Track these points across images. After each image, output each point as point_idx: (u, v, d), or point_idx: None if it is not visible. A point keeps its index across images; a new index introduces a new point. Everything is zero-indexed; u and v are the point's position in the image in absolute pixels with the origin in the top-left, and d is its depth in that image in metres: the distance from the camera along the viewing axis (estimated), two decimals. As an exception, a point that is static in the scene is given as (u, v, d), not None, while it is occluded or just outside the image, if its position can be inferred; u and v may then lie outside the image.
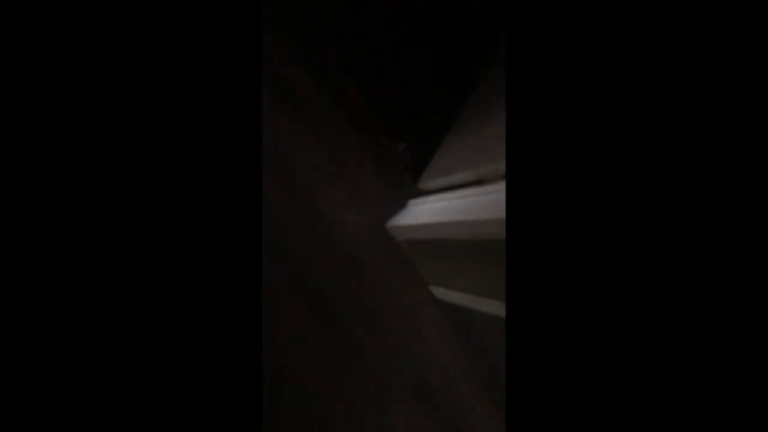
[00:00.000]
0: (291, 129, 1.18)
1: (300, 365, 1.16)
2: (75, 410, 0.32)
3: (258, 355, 0.36)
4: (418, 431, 1.24)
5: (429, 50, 1.14)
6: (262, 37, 1.16)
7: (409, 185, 1.19)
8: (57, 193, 0.32)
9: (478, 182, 0.90)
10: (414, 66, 1.12)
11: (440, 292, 1.21)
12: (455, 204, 0.92)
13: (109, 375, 0.32)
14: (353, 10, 1.15)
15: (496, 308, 0.93)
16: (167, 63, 0.33)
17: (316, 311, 1.19)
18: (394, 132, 1.16)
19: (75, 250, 0.32)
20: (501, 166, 0.82)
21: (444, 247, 0.96)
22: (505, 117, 0.75)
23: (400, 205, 1.19)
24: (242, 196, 0.35)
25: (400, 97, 1.17)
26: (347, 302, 1.22)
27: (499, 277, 0.86)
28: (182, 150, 0.34)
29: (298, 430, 1.13)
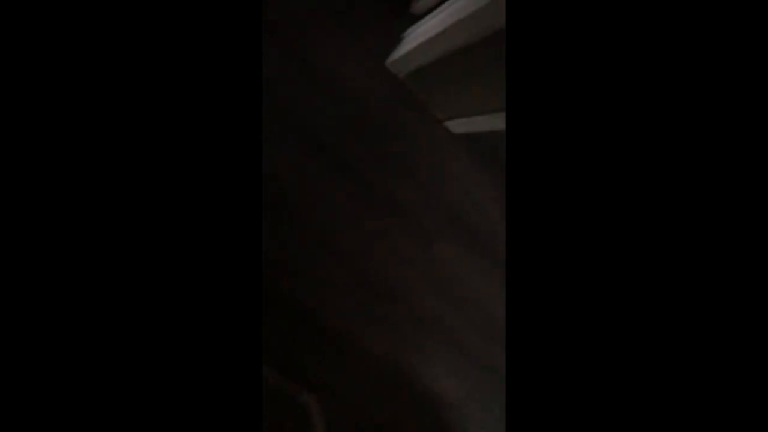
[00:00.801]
0: None
1: (334, 222, 1.21)
2: (73, 401, 0.32)
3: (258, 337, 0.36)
4: (460, 261, 1.31)
5: None
6: None
7: (403, 17, 1.09)
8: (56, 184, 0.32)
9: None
10: None
11: (456, 125, 1.17)
12: (450, 10, 0.84)
13: (106, 366, 0.32)
14: None
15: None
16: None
17: (338, 171, 1.20)
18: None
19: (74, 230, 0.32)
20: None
21: (449, 64, 0.90)
22: None
23: (397, 41, 1.11)
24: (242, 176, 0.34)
25: None
26: (365, 157, 1.22)
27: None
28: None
29: (353, 283, 1.22)
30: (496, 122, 1.08)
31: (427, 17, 0.98)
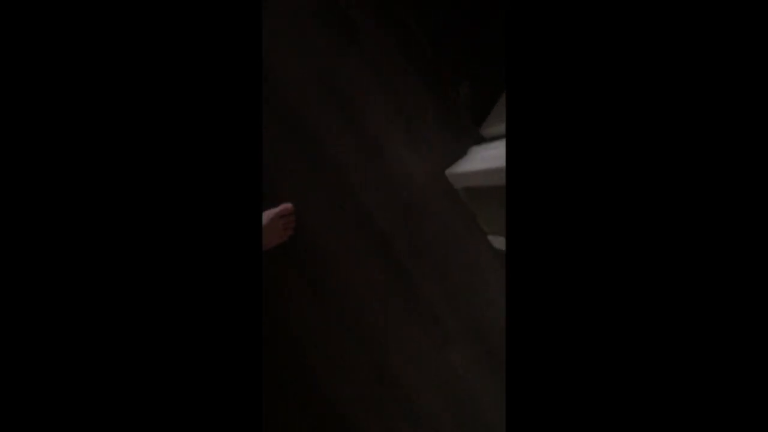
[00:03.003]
0: (357, 73, 1.19)
1: (360, 301, 1.24)
2: (74, 396, 0.31)
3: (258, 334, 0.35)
4: (469, 369, 1.29)
5: (497, -15, 1.06)
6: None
7: (470, 131, 1.16)
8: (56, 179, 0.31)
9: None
10: (481, 7, 1.05)
11: (497, 241, 1.20)
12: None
13: (107, 361, 0.32)
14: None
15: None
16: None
17: (379, 252, 1.24)
18: (458, 70, 1.11)
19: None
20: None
21: (502, 194, 0.94)
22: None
23: (461, 152, 1.17)
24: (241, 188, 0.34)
25: (465, 35, 1.12)
26: (409, 244, 1.26)
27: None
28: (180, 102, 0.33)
29: (364, 369, 1.23)
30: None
31: (493, 144, 1.04)
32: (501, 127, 1.02)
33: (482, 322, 1.29)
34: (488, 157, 0.98)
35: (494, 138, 1.07)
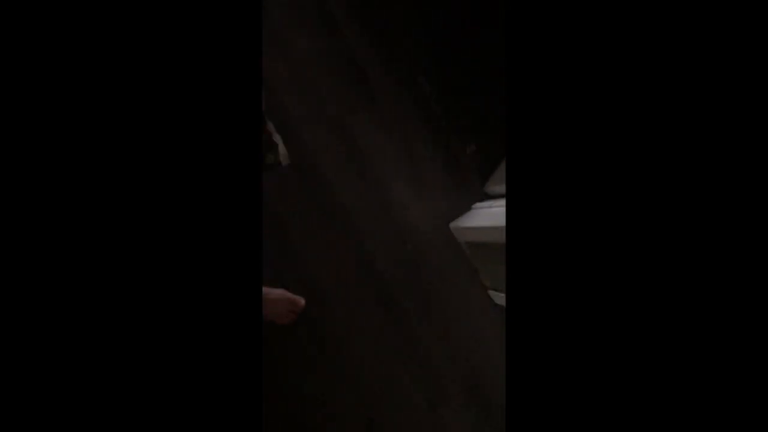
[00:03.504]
0: (370, 126, 1.24)
1: (357, 348, 1.22)
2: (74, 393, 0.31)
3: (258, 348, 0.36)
4: (466, 429, 1.25)
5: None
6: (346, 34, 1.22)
7: (476, 188, 1.20)
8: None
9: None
10: (490, 74, 1.12)
11: (498, 297, 1.20)
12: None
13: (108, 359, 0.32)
14: (440, 14, 1.18)
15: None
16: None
17: (379, 300, 1.24)
18: (466, 135, 1.17)
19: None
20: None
21: (504, 253, 0.96)
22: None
23: (465, 207, 1.20)
24: (242, 192, 0.35)
25: (475, 103, 1.18)
26: (410, 294, 1.25)
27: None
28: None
29: (350, 417, 1.20)
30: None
31: (497, 202, 1.07)
32: (504, 186, 1.05)
33: (481, 379, 1.27)
34: (491, 215, 1.01)
35: (497, 196, 1.10)
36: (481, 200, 1.17)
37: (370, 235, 1.26)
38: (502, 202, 1.04)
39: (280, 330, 1.17)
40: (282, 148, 1.10)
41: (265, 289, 1.03)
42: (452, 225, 1.17)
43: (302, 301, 1.10)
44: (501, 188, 1.08)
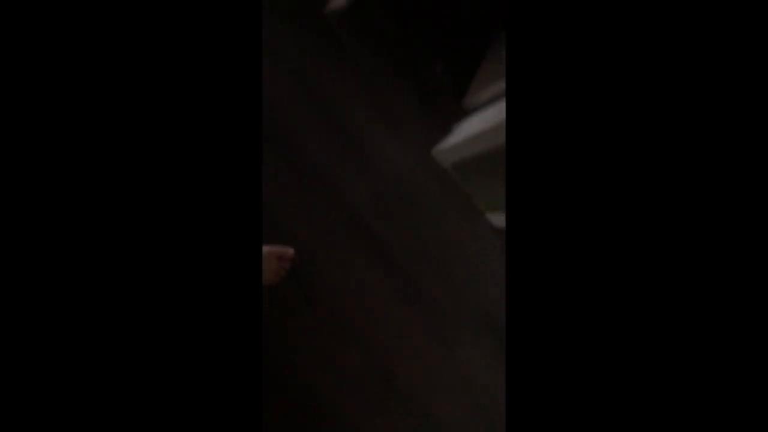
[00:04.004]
0: (332, 71, 1.15)
1: (363, 310, 1.16)
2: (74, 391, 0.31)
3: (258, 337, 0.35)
4: (484, 366, 1.20)
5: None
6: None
7: (453, 108, 1.12)
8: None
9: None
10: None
11: (497, 219, 1.14)
12: (497, 108, 0.84)
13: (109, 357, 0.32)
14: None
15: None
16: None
17: (375, 255, 1.17)
18: (431, 49, 1.08)
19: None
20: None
21: (492, 159, 0.89)
22: None
23: (445, 132, 1.13)
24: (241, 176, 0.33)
25: (436, 14, 1.09)
26: (404, 242, 1.19)
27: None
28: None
29: (367, 374, 1.14)
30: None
31: (477, 112, 0.99)
32: (485, 93, 0.98)
33: (491, 309, 1.21)
34: (476, 123, 0.93)
35: (478, 108, 1.02)
36: (461, 119, 1.09)
37: (350, 188, 1.18)
38: (482, 109, 0.97)
39: (282, 299, 1.09)
40: None
41: None
42: (435, 150, 1.09)
43: (290, 251, 1.02)
44: (481, 97, 1.00)
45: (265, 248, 0.99)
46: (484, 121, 0.87)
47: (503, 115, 0.81)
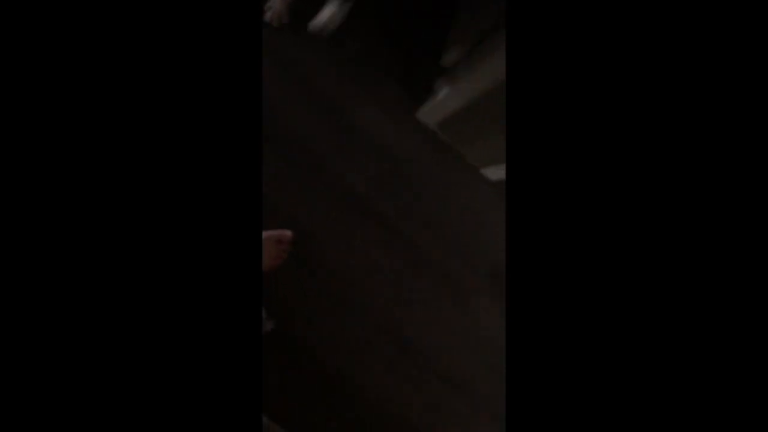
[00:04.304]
0: (319, 57, 1.14)
1: (372, 283, 1.15)
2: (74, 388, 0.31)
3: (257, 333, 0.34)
4: (499, 324, 1.20)
5: None
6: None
7: (432, 67, 1.10)
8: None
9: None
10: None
11: (492, 172, 1.13)
12: (477, 57, 0.83)
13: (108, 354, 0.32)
14: None
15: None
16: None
17: (377, 229, 1.17)
18: (404, 17, 1.06)
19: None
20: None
21: (477, 109, 0.87)
22: None
23: (428, 93, 1.11)
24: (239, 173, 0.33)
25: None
26: (401, 210, 1.18)
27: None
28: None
29: (384, 341, 1.14)
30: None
31: (457, 67, 0.98)
32: (460, 48, 0.96)
33: (499, 261, 1.21)
34: (452, 79, 0.92)
35: (456, 65, 1.00)
36: (441, 79, 1.07)
37: (345, 165, 1.17)
38: (460, 65, 0.95)
39: (286, 282, 1.09)
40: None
41: None
42: (420, 112, 1.08)
43: (288, 233, 1.01)
44: (457, 52, 0.98)
45: (264, 234, 0.99)
46: (462, 74, 0.86)
47: (480, 64, 0.79)
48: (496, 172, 1.13)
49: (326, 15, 1.08)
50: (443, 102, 0.96)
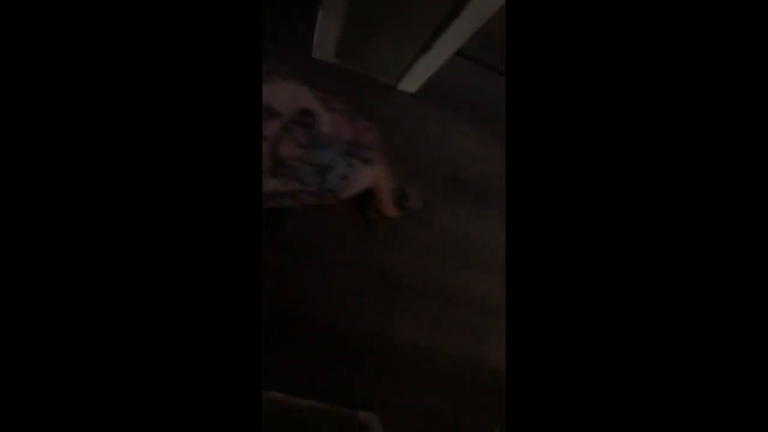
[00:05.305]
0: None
1: (342, 228, 1.16)
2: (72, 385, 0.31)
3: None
4: (467, 221, 1.19)
5: None
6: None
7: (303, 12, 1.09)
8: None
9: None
10: None
11: (408, 84, 1.11)
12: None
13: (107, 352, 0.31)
14: None
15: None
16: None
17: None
18: None
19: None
20: None
21: (358, 15, 0.86)
22: None
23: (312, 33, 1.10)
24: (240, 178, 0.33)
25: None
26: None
27: None
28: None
29: (369, 278, 1.14)
30: (433, 60, 1.01)
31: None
32: None
33: (456, 172, 1.20)
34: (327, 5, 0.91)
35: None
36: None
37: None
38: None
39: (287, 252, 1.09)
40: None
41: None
42: (314, 52, 1.07)
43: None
44: None
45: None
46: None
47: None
48: (410, 82, 1.12)
49: None
50: (323, 29, 0.95)
